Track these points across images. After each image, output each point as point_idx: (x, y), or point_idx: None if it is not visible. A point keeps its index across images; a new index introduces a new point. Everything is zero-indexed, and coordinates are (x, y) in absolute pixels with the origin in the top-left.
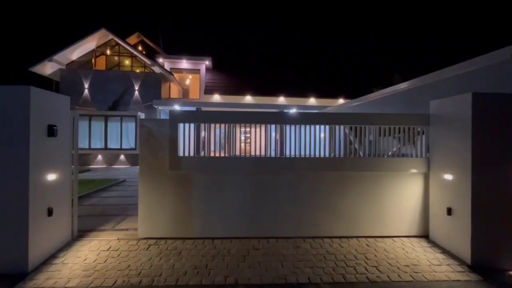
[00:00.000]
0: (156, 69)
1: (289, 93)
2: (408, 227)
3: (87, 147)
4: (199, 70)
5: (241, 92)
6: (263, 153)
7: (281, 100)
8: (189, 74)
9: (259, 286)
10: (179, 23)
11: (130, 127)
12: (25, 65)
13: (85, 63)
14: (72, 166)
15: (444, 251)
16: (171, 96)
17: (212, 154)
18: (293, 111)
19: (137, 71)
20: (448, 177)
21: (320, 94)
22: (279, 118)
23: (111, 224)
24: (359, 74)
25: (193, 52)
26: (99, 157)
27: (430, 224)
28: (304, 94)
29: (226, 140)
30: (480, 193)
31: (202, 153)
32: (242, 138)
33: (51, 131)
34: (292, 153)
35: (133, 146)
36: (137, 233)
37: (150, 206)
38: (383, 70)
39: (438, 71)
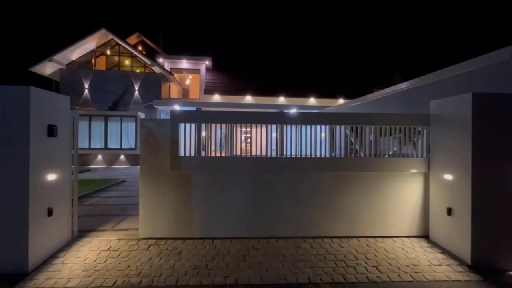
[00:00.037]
0: (156, 69)
1: (289, 93)
2: (408, 227)
3: (87, 147)
4: (199, 70)
5: (241, 92)
6: (263, 153)
7: (281, 100)
8: (189, 74)
9: (259, 286)
10: (179, 23)
11: (130, 127)
12: (25, 65)
13: (85, 63)
14: (72, 166)
15: (444, 251)
16: (171, 96)
17: (213, 154)
18: (293, 111)
19: (137, 71)
20: (448, 177)
21: (320, 94)
22: (279, 118)
23: (111, 224)
24: (359, 74)
25: (193, 52)
26: (99, 157)
27: (430, 224)
28: (304, 94)
29: (227, 140)
30: (480, 193)
31: (202, 153)
32: (243, 138)
33: (51, 131)
34: (293, 153)
35: (133, 146)
36: (137, 233)
37: (151, 206)
38: (383, 70)
39: (438, 71)
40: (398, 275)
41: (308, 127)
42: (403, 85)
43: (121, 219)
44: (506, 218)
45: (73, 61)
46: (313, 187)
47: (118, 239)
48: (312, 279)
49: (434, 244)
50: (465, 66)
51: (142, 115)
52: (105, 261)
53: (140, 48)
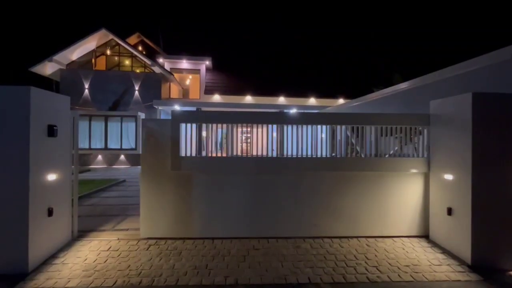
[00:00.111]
0: (156, 69)
1: (289, 93)
2: (408, 227)
3: (87, 147)
4: (199, 70)
5: (241, 92)
6: (264, 153)
7: (281, 100)
8: (189, 74)
9: (259, 286)
10: (179, 23)
11: (130, 127)
12: (25, 65)
13: (85, 63)
14: (72, 166)
15: (444, 251)
16: (171, 96)
17: (213, 154)
18: (293, 111)
19: (137, 71)
20: (448, 177)
21: (320, 94)
22: (279, 118)
23: (111, 224)
24: (359, 74)
25: (193, 52)
26: (99, 157)
27: (430, 224)
28: (304, 94)
29: (228, 140)
30: (480, 193)
31: (203, 153)
32: (243, 138)
33: (51, 131)
34: (293, 153)
35: (133, 146)
36: (137, 233)
37: (152, 206)
38: (383, 70)
39: (438, 71)
40: (398, 275)
41: (308, 127)
42: (403, 85)
43: (121, 219)
44: (506, 218)
45: (73, 61)
46: (313, 187)
47: (118, 239)
48: (312, 279)
49: (434, 244)
50: (465, 66)
51: (142, 115)
52: (105, 261)
53: (140, 48)
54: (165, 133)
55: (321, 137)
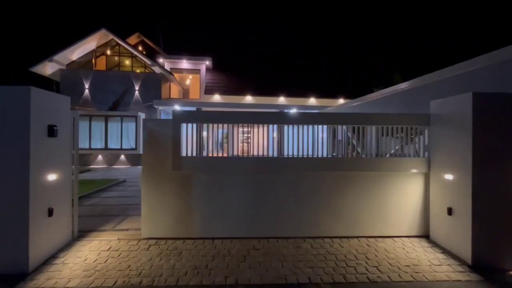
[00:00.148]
0: (157, 69)
1: (289, 93)
2: (409, 227)
3: (87, 147)
4: (199, 70)
5: (241, 92)
6: (265, 153)
7: (281, 100)
8: (189, 74)
9: (260, 286)
10: (179, 23)
11: (130, 127)
12: (25, 65)
13: (85, 63)
14: (73, 166)
15: (444, 251)
16: (172, 96)
17: (214, 154)
18: (293, 111)
19: (138, 71)
20: (449, 177)
21: (320, 94)
22: (279, 118)
23: (112, 224)
24: (359, 74)
25: (193, 52)
26: (100, 157)
27: (430, 224)
28: (304, 94)
29: (228, 140)
30: (481, 193)
31: (204, 153)
32: (243, 138)
33: (52, 131)
34: (293, 153)
35: (133, 146)
36: (137, 233)
37: (153, 206)
38: (383, 70)
39: (438, 71)
40: (399, 275)
41: (308, 127)
42: (403, 85)
43: (121, 219)
44: (506, 218)
45: (73, 61)
46: (313, 187)
47: (118, 239)
48: (312, 279)
49: (434, 244)
50: (465, 66)
51: (142, 115)
52: (106, 261)
53: (140, 48)
54: (166, 133)
55: (322, 137)
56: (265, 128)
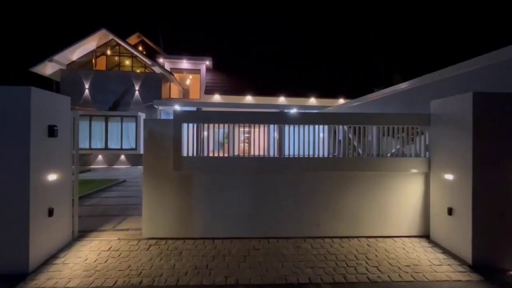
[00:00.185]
0: (157, 69)
1: (289, 93)
2: (409, 227)
3: (87, 147)
4: (199, 70)
5: (241, 92)
6: (265, 153)
7: (281, 100)
8: (189, 74)
9: (260, 286)
10: (179, 23)
11: (130, 127)
12: (25, 65)
13: (85, 64)
14: (73, 166)
15: (445, 251)
16: (172, 96)
17: (216, 154)
18: (293, 111)
19: (138, 71)
20: (449, 177)
21: (320, 94)
22: (279, 118)
23: (112, 224)
24: (359, 74)
25: (193, 52)
26: (100, 157)
27: (431, 224)
28: (304, 94)
29: (229, 140)
30: (481, 193)
31: (205, 153)
32: (244, 138)
33: (52, 131)
34: (293, 153)
35: (134, 146)
36: (138, 233)
37: (154, 206)
38: (383, 70)
39: (438, 71)
40: (399, 275)
41: (308, 127)
42: (403, 85)
43: (121, 219)
44: (507, 218)
45: (73, 61)
46: (314, 187)
47: (118, 239)
48: (312, 279)
49: (434, 244)
50: (465, 66)
51: (142, 115)
52: (106, 261)
53: (140, 48)
54: (167, 133)
55: (322, 137)
56: (266, 128)
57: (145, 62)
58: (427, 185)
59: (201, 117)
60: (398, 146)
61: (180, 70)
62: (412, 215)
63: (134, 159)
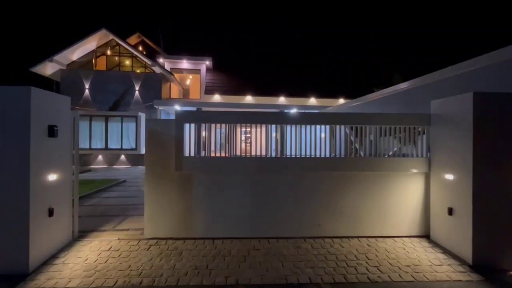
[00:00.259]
0: (157, 69)
1: (289, 93)
2: (409, 227)
3: (87, 147)
4: (199, 70)
5: (242, 92)
6: (264, 153)
7: (282, 100)
8: (189, 74)
9: (260, 286)
10: (179, 23)
11: (130, 127)
12: (25, 65)
13: (85, 64)
14: (73, 166)
15: (445, 251)
16: (172, 96)
17: (217, 154)
18: (293, 111)
19: (138, 71)
20: (449, 177)
21: (320, 94)
22: (280, 118)
23: (112, 225)
24: (359, 74)
25: (194, 52)
26: (100, 157)
27: (431, 224)
28: (304, 94)
29: (230, 140)
30: (481, 193)
31: (207, 154)
32: (244, 138)
33: (52, 131)
34: (293, 153)
35: (134, 146)
36: (138, 234)
37: (156, 206)
38: (383, 70)
39: (439, 71)
40: (399, 275)
41: (309, 127)
42: (403, 85)
43: (121, 219)
44: (507, 218)
45: (73, 62)
46: (314, 187)
47: (119, 239)
48: (313, 279)
49: (435, 244)
50: (465, 66)
51: (142, 115)
52: (106, 261)
53: (140, 48)
54: (169, 133)
55: (322, 137)
56: (267, 128)
57: (145, 62)
58: (428, 185)
59: (202, 117)
60: (399, 146)
61: (180, 70)
62: (412, 215)
63: (134, 159)
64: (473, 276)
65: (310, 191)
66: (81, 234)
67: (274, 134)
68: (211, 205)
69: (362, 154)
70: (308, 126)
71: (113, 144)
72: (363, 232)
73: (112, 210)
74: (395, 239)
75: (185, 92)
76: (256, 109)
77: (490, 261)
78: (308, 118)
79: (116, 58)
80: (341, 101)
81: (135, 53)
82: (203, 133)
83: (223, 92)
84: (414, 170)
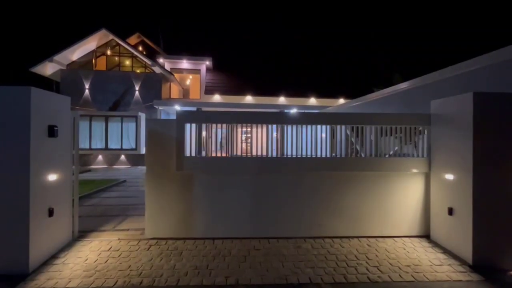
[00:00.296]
0: (157, 69)
1: (289, 93)
2: (409, 227)
3: (87, 147)
4: (199, 70)
5: (242, 92)
6: (265, 153)
7: (282, 100)
8: (189, 74)
9: (260, 286)
10: (179, 23)
11: (130, 127)
12: (25, 65)
13: (85, 64)
14: (73, 167)
15: (445, 251)
16: (172, 96)
17: (218, 154)
18: (293, 111)
19: (138, 71)
20: (449, 177)
21: (320, 94)
22: (280, 118)
23: (112, 225)
24: (359, 74)
25: (194, 52)
26: (100, 157)
27: (431, 224)
28: (304, 94)
29: (232, 140)
30: (481, 192)
31: (208, 154)
32: (245, 138)
33: (52, 131)
34: (293, 153)
35: (134, 147)
36: (138, 234)
37: (157, 206)
38: (383, 70)
39: (439, 71)
40: (399, 275)
41: (309, 127)
42: (403, 85)
43: (121, 219)
44: (507, 218)
45: (73, 62)
46: (314, 187)
47: (119, 239)
48: (313, 279)
49: (435, 244)
50: (465, 66)
51: (142, 116)
52: (106, 261)
53: (140, 48)
54: (169, 133)
55: (322, 137)
56: (267, 128)
57: (145, 62)
58: (428, 185)
59: (203, 117)
60: (396, 148)
61: (180, 70)
62: (412, 215)
63: (134, 159)
64: (473, 276)
65: (310, 191)
66: (81, 234)
67: (274, 134)
68: (211, 205)
69: (362, 154)
70: (308, 126)
71: (113, 144)
72: (363, 232)
73: (112, 210)
74: (395, 239)
75: (185, 92)
76: (256, 109)
77: (490, 261)
78: (308, 118)
79: (116, 58)
80: (341, 101)
81: (135, 53)
82: (203, 133)
83: (223, 92)
84: (414, 170)
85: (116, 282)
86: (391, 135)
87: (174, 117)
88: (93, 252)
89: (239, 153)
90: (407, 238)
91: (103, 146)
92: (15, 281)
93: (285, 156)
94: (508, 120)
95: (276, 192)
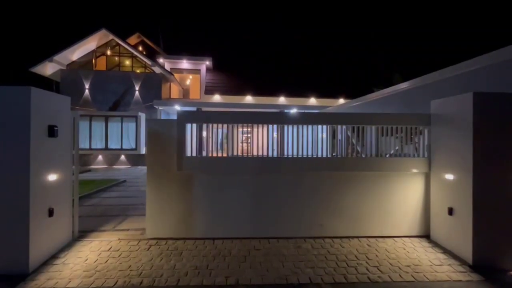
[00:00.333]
0: (157, 70)
1: (289, 93)
2: (409, 227)
3: (87, 147)
4: (199, 70)
5: (242, 92)
6: (265, 153)
7: (282, 100)
8: (189, 74)
9: (260, 287)
10: (179, 23)
11: (130, 127)
12: (25, 65)
13: (85, 64)
14: (73, 167)
15: (445, 251)
16: (172, 96)
17: (219, 154)
18: (293, 111)
19: (138, 71)
20: (449, 177)
21: (320, 94)
22: (280, 118)
23: (112, 225)
24: (359, 74)
25: (193, 52)
26: (100, 157)
27: (431, 224)
28: (304, 94)
29: (233, 140)
30: (481, 192)
31: (209, 154)
32: (246, 138)
33: (52, 131)
34: (293, 153)
35: (134, 147)
36: (138, 234)
37: (158, 206)
38: (383, 70)
39: (439, 71)
40: (400, 275)
41: (309, 127)
42: (403, 85)
43: (121, 220)
44: (507, 218)
45: (73, 62)
46: (314, 187)
47: (119, 239)
48: (313, 279)
49: (435, 244)
50: (465, 66)
51: (142, 116)
52: (106, 262)
53: (140, 48)
54: (170, 133)
55: (322, 137)
56: (267, 128)
57: (145, 62)
58: (428, 185)
59: (203, 117)
60: (397, 147)
61: (180, 70)
62: (412, 215)
63: (134, 159)
64: (473, 276)
65: (310, 191)
66: (81, 234)
67: (274, 134)
68: (212, 205)
69: (362, 154)
70: (308, 126)
71: (113, 144)
72: (363, 232)
73: (112, 210)
74: (395, 239)
75: (185, 92)
76: (256, 109)
77: (490, 261)
78: (308, 118)
79: (116, 58)
80: (341, 101)
81: (135, 53)
82: (204, 133)
83: (223, 92)
84: (414, 170)
85: (116, 282)
86: (391, 135)
87: (174, 117)
88: (93, 252)
89: (239, 153)
90: (407, 238)
91: (103, 146)
92: (15, 281)
93: (285, 156)
94: (508, 120)
95: (276, 192)
